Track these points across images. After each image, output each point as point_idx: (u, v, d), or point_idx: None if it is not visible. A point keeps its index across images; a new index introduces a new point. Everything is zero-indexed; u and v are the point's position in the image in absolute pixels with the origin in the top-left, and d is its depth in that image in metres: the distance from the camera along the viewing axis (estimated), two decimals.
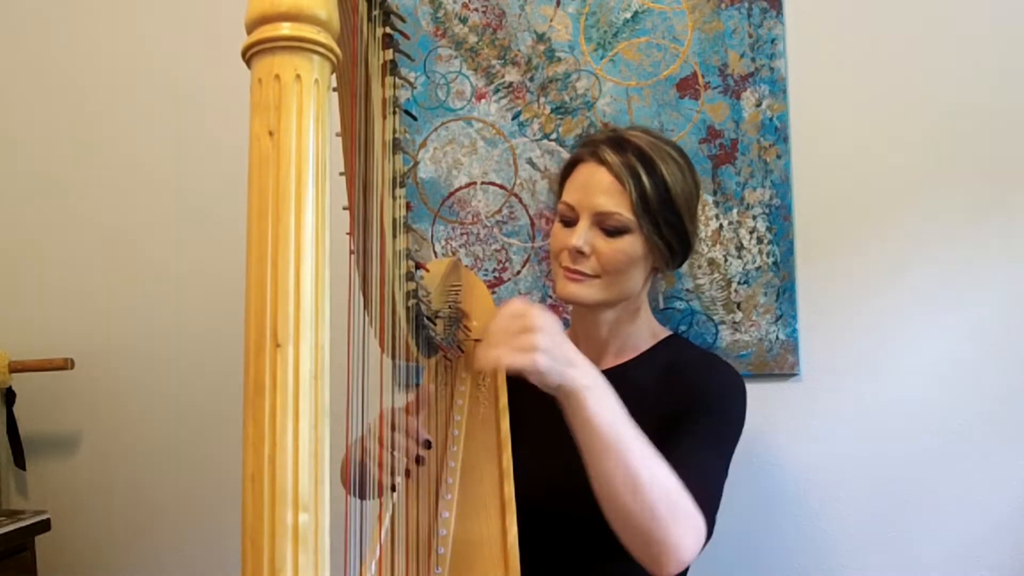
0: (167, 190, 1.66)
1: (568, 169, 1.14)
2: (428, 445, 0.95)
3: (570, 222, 1.09)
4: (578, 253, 1.06)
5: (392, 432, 0.95)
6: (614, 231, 1.06)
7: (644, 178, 1.05)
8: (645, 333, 1.17)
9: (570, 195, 1.10)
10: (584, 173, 1.09)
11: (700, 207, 1.41)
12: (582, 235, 1.06)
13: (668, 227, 1.08)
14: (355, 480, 0.96)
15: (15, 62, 1.72)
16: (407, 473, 0.95)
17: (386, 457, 0.94)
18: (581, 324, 1.19)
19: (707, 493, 0.93)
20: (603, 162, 1.06)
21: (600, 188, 1.06)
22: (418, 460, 0.94)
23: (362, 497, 0.95)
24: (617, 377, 1.13)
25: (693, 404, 1.03)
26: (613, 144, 1.07)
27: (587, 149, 1.10)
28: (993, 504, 1.34)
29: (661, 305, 1.43)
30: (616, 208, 1.05)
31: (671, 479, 0.85)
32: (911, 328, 1.37)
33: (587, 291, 1.08)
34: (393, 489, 0.94)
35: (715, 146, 1.42)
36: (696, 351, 1.18)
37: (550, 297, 1.47)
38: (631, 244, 1.06)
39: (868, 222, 1.39)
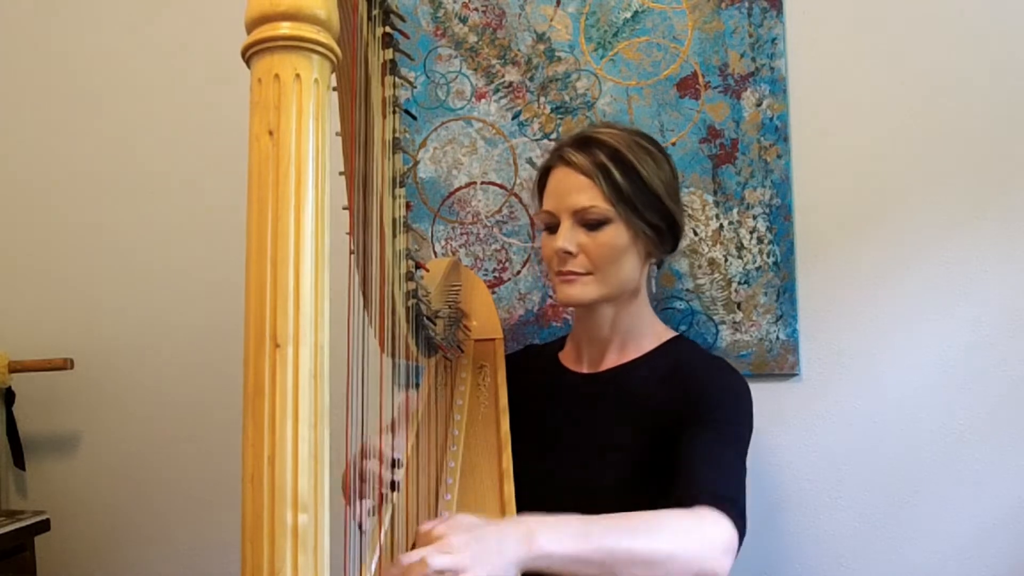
0: (167, 190, 1.66)
1: (542, 178, 1.17)
2: (398, 464, 0.96)
3: (554, 228, 1.11)
4: (566, 254, 1.08)
5: (364, 461, 0.96)
6: (595, 224, 1.08)
7: (612, 168, 1.07)
8: (648, 331, 1.17)
9: (548, 202, 1.13)
10: (556, 179, 1.12)
11: (700, 207, 1.42)
12: (565, 235, 1.08)
13: (648, 209, 1.09)
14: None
15: (15, 62, 1.72)
16: (383, 496, 0.95)
17: (367, 488, 0.95)
18: (582, 325, 1.19)
19: (733, 486, 0.95)
20: (570, 164, 1.09)
21: (573, 188, 1.08)
22: (392, 486, 0.95)
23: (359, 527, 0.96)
24: (620, 376, 1.14)
25: (704, 408, 1.02)
26: (578, 145, 1.10)
27: (555, 155, 1.13)
28: (993, 504, 1.34)
29: (660, 307, 1.43)
30: (591, 202, 1.07)
31: (667, 521, 0.86)
32: (911, 328, 1.37)
33: (584, 290, 1.09)
34: (371, 514, 0.94)
35: (715, 146, 1.42)
36: (702, 354, 1.17)
37: (550, 297, 1.47)
38: (615, 234, 1.08)
39: (868, 222, 1.38)
